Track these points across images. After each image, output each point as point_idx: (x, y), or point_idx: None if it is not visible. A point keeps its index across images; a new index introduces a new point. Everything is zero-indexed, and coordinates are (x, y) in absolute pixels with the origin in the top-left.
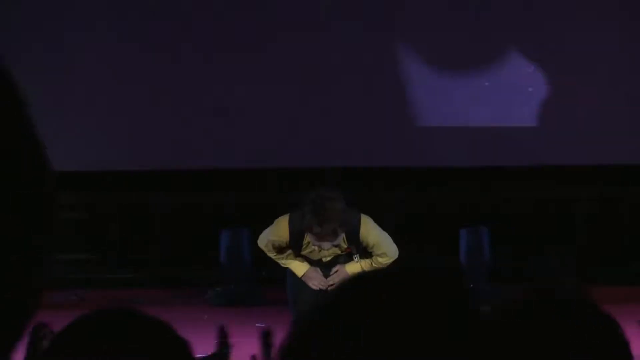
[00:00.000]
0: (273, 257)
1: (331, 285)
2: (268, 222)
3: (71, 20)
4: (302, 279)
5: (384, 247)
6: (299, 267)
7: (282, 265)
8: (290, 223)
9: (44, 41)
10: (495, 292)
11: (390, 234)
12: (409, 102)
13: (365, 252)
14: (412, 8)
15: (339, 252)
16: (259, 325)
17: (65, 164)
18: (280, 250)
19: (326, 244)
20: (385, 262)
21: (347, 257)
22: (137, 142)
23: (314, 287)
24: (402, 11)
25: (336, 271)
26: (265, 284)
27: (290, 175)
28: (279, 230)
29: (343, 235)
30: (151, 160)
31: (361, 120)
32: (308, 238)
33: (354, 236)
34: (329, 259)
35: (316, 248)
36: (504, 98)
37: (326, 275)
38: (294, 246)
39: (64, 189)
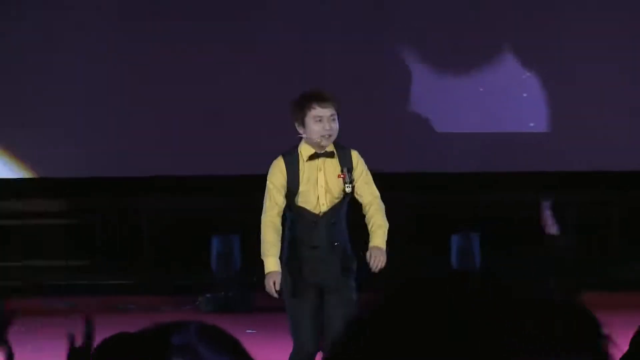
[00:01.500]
0: (263, 234)
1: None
2: (259, 228)
3: (56, 24)
4: (266, 275)
5: (370, 180)
6: (269, 263)
7: (262, 252)
8: (284, 156)
9: (29, 45)
10: None
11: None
12: (404, 107)
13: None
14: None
15: (338, 195)
16: (249, 331)
17: (54, 171)
18: (279, 209)
19: (330, 125)
20: (378, 203)
21: (341, 208)
22: (125, 147)
23: (267, 289)
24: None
25: (370, 255)
26: (256, 290)
27: None
28: (275, 169)
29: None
30: (141, 165)
31: (357, 125)
32: (302, 160)
33: (345, 159)
34: (325, 208)
35: (315, 176)
36: (497, 103)
37: (328, 234)
38: (292, 180)
39: (53, 195)
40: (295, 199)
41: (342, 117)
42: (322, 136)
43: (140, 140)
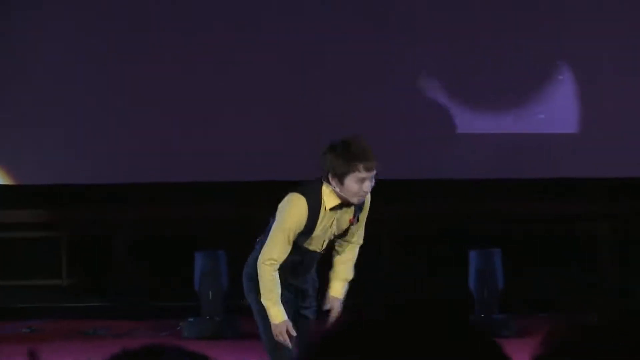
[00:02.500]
0: (266, 280)
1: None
2: (248, 242)
3: (31, 30)
4: (273, 326)
5: (363, 223)
6: (278, 312)
7: (264, 298)
8: (307, 200)
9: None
10: (508, 324)
11: (389, 256)
12: (415, 108)
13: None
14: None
15: (338, 239)
16: None
17: (14, 177)
18: (285, 256)
19: (369, 185)
20: (355, 252)
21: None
22: (94, 151)
23: (278, 340)
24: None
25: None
26: (245, 315)
27: (274, 188)
28: (296, 212)
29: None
30: (114, 172)
31: (361, 125)
32: (324, 209)
33: (360, 205)
34: (323, 248)
35: (332, 224)
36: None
37: (313, 265)
38: (309, 227)
39: (11, 205)
40: (302, 241)
41: (347, 118)
42: (359, 196)
43: (112, 143)
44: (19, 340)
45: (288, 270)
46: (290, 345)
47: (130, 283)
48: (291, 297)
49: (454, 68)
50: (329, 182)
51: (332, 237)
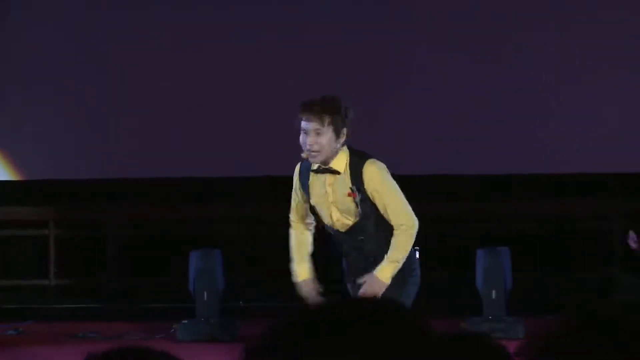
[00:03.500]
0: (289, 240)
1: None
2: (245, 241)
3: (24, 25)
4: (297, 283)
5: (391, 201)
6: (299, 270)
7: (293, 262)
8: (302, 162)
9: None
10: (516, 327)
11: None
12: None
13: (377, 216)
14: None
15: (349, 217)
16: None
17: (4, 172)
18: (301, 214)
19: (322, 149)
20: (399, 233)
21: (364, 225)
22: (85, 145)
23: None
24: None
25: (364, 282)
26: (242, 317)
27: (271, 185)
28: (295, 170)
29: (346, 166)
30: (105, 167)
31: (368, 123)
32: (311, 176)
33: (357, 173)
34: (342, 226)
35: (322, 192)
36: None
37: (357, 250)
38: (304, 192)
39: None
40: (312, 208)
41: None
42: (306, 150)
43: (105, 139)
44: (4, 342)
45: (338, 247)
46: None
47: (122, 283)
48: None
49: (460, 64)
50: None
51: (343, 215)
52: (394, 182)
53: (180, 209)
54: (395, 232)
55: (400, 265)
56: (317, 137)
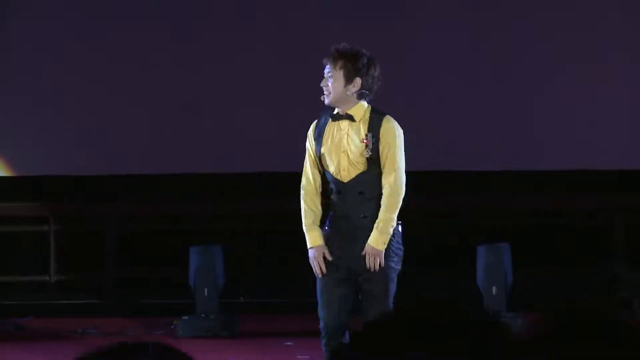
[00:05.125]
0: (301, 208)
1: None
2: (245, 237)
3: (23, 21)
4: (309, 250)
5: (393, 160)
6: (311, 236)
7: (304, 227)
8: (320, 116)
9: None
10: (518, 322)
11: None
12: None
13: (380, 173)
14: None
15: (359, 165)
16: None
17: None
18: (313, 177)
19: (333, 91)
20: (388, 193)
21: (367, 179)
22: (85, 141)
23: (314, 267)
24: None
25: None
26: (243, 312)
27: (272, 180)
28: (313, 123)
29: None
30: (104, 163)
31: None
32: (328, 124)
33: (375, 124)
34: (347, 175)
35: (336, 139)
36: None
37: (355, 204)
38: (316, 141)
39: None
40: (321, 159)
41: None
42: (323, 92)
43: (105, 134)
44: (4, 338)
45: (336, 207)
46: (319, 273)
47: (122, 279)
48: (340, 263)
49: (465, 60)
50: None
51: (351, 163)
52: (403, 149)
53: (181, 205)
54: (383, 190)
55: (390, 232)
56: (328, 79)
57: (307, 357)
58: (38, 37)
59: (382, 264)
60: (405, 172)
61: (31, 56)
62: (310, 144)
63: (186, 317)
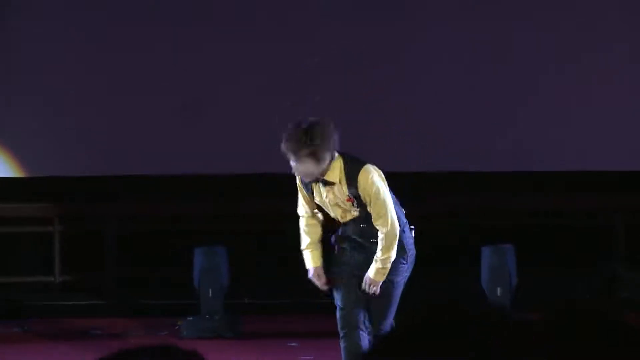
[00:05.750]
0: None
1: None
2: (250, 238)
3: (25, 21)
4: (308, 270)
5: (379, 209)
6: (308, 259)
7: (302, 250)
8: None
9: None
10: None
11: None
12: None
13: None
14: None
15: (352, 213)
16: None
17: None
18: (308, 208)
19: (308, 174)
20: (382, 237)
21: (365, 216)
22: (88, 142)
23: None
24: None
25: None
26: (247, 313)
27: (277, 181)
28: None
29: (340, 178)
30: (107, 164)
31: (357, 123)
32: (312, 184)
33: (352, 182)
34: (346, 218)
35: (324, 196)
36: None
37: (361, 234)
38: (306, 190)
39: (4, 198)
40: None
41: (347, 110)
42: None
43: (108, 135)
44: (9, 339)
45: (342, 232)
46: (322, 288)
47: (127, 280)
48: (350, 262)
49: (465, 60)
50: None
51: (342, 211)
52: (385, 189)
53: (186, 206)
54: (379, 233)
55: (388, 267)
56: (300, 166)
57: (311, 357)
58: (38, 37)
59: (376, 292)
60: (406, 173)
61: (31, 56)
62: (300, 189)
63: (190, 318)
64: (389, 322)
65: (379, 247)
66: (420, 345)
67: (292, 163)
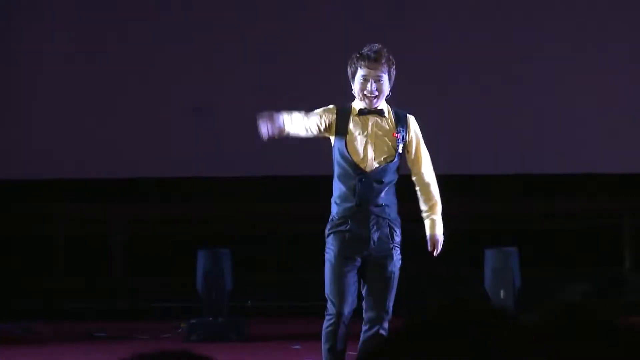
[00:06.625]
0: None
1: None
2: (253, 240)
3: (28, 22)
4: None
5: (424, 151)
6: (282, 117)
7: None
8: (337, 105)
9: None
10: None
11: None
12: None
13: (399, 167)
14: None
15: (392, 152)
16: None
17: (4, 171)
18: (308, 119)
19: (382, 91)
20: (430, 182)
21: (388, 170)
22: (92, 143)
23: (261, 130)
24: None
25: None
26: (250, 316)
27: (281, 184)
28: (326, 107)
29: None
30: (111, 165)
31: None
32: (353, 114)
33: (400, 121)
34: (372, 164)
35: (369, 128)
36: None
37: (375, 192)
38: (340, 125)
39: (9, 199)
40: (344, 147)
41: None
42: (365, 95)
43: (111, 137)
44: (13, 341)
45: (351, 194)
46: (264, 134)
47: (130, 283)
48: (350, 241)
49: (470, 63)
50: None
51: (377, 152)
52: None
53: (189, 208)
54: (425, 179)
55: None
56: (377, 84)
57: None
58: (38, 37)
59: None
60: (408, 175)
61: (31, 56)
62: (324, 112)
63: (194, 320)
64: (390, 308)
65: (433, 192)
66: (420, 345)
67: (364, 81)
